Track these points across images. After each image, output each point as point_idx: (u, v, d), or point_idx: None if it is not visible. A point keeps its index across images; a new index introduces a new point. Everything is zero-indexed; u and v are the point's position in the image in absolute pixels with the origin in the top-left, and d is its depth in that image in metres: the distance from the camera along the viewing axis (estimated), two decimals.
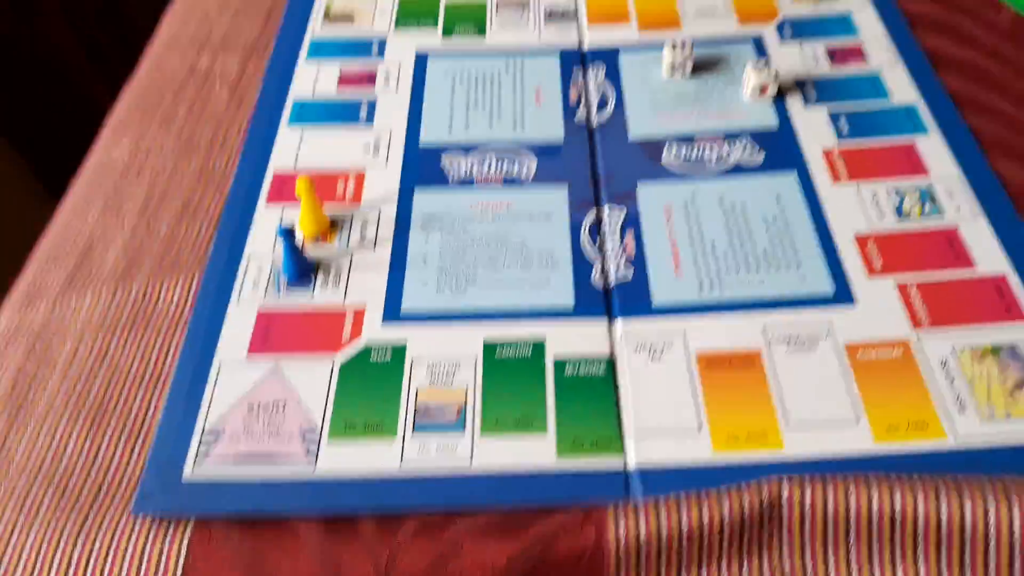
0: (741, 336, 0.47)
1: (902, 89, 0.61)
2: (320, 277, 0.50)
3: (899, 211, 0.53)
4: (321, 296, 0.50)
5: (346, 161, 0.58)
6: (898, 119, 0.59)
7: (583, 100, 0.62)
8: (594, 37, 0.67)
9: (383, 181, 0.56)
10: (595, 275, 0.50)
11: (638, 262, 0.51)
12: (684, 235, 0.52)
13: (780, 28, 0.66)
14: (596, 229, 0.53)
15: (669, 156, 0.57)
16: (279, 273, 0.50)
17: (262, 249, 0.52)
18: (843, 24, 0.67)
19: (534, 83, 0.63)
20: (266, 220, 0.54)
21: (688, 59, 0.62)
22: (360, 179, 0.56)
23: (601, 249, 0.52)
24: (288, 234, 0.48)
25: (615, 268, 0.51)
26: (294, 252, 0.49)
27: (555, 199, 0.55)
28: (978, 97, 0.60)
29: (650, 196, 0.55)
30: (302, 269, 0.50)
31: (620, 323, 0.48)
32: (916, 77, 0.62)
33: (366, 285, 0.50)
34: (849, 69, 0.63)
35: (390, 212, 0.54)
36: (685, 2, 0.70)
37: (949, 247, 0.50)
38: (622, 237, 0.52)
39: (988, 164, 0.55)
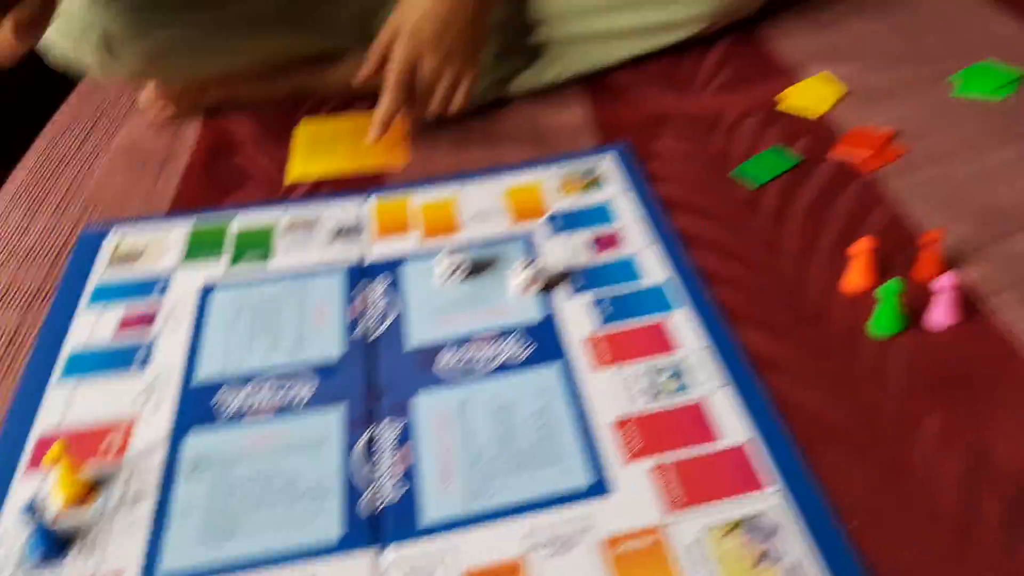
0: (505, 545, 0.47)
1: (656, 270, 0.66)
2: (74, 549, 0.48)
3: (652, 391, 0.56)
4: (72, 572, 0.47)
5: (117, 412, 0.57)
6: (652, 299, 0.63)
7: (364, 314, 0.64)
8: (379, 250, 0.70)
9: (153, 429, 0.55)
10: (365, 501, 0.50)
11: (409, 479, 0.51)
12: (455, 443, 0.53)
13: (549, 222, 0.72)
14: (370, 448, 0.53)
15: (445, 361, 0.59)
16: (27, 553, 0.47)
17: (13, 526, 0.49)
18: (604, 212, 0.73)
19: (316, 302, 0.65)
20: (25, 491, 0.51)
21: (463, 263, 0.66)
22: (129, 430, 0.55)
23: (373, 470, 0.52)
24: (34, 509, 0.46)
25: (386, 490, 0.51)
26: (42, 527, 0.47)
27: (329, 423, 0.55)
28: (723, 270, 0.66)
29: (425, 406, 0.56)
30: (52, 544, 0.47)
31: (387, 552, 0.47)
32: (669, 256, 0.67)
33: (123, 549, 0.48)
34: (610, 255, 0.68)
35: (157, 462, 0.53)
36: (464, 207, 0.74)
37: (698, 422, 0.53)
38: (396, 452, 0.53)
39: (733, 334, 0.60)
